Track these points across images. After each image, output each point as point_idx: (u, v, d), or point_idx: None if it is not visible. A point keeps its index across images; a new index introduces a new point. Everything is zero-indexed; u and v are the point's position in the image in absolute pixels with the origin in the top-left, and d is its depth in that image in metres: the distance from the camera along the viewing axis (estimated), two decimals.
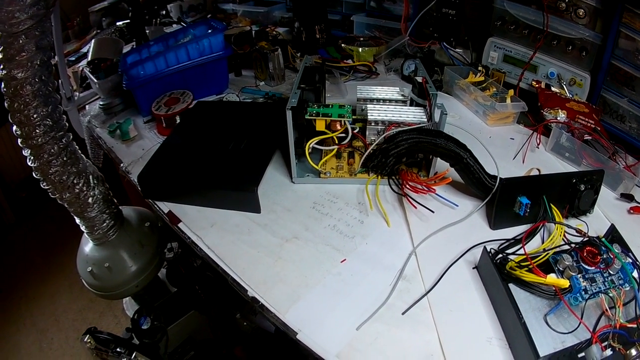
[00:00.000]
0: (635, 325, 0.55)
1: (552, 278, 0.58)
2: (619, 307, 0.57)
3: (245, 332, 1.15)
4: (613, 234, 0.67)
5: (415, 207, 0.74)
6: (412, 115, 0.80)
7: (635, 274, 0.60)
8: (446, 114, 0.74)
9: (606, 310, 0.57)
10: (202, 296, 1.10)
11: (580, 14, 1.00)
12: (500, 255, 0.64)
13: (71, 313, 1.95)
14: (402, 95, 0.89)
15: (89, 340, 0.91)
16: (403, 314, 0.60)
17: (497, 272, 0.59)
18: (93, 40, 1.38)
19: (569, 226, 0.68)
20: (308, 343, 0.58)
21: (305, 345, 0.58)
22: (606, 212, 0.78)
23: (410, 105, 0.87)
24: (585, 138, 0.92)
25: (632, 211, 0.79)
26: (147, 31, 1.50)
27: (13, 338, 1.87)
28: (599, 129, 0.96)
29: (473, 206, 0.78)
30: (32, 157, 0.72)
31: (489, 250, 0.63)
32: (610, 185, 0.84)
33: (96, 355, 0.93)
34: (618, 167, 0.83)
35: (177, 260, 1.05)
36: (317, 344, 0.57)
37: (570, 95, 1.06)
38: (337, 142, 0.81)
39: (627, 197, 0.81)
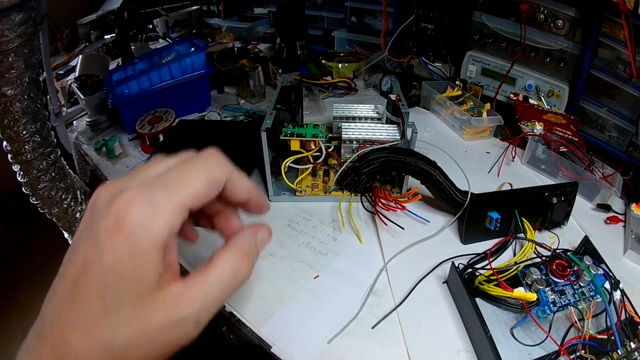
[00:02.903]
0: (605, 337, 0.56)
1: (519, 292, 0.59)
2: (587, 318, 0.57)
3: (232, 346, 1.15)
4: (586, 246, 0.68)
5: (386, 224, 0.75)
6: (386, 133, 0.81)
7: (607, 285, 0.60)
8: (416, 133, 0.76)
9: (575, 322, 0.58)
10: None
11: (559, 24, 1.02)
12: (469, 270, 0.65)
13: None
14: (378, 113, 0.90)
15: None
16: (373, 328, 0.61)
17: (465, 287, 0.60)
18: (80, 56, 1.40)
19: (535, 242, 0.68)
20: (282, 356, 0.59)
21: (279, 359, 0.59)
22: (581, 223, 0.79)
23: (386, 122, 0.88)
24: (561, 150, 0.92)
25: (608, 221, 0.80)
26: (133, 47, 1.52)
27: (3, 348, 1.86)
28: (576, 140, 0.96)
29: (445, 221, 0.78)
30: (21, 173, 0.74)
31: (457, 265, 0.64)
32: (586, 196, 0.85)
33: None
34: (594, 178, 0.84)
35: None
36: (291, 358, 0.58)
37: (549, 107, 1.07)
38: (312, 160, 0.82)
39: (604, 207, 0.82)
